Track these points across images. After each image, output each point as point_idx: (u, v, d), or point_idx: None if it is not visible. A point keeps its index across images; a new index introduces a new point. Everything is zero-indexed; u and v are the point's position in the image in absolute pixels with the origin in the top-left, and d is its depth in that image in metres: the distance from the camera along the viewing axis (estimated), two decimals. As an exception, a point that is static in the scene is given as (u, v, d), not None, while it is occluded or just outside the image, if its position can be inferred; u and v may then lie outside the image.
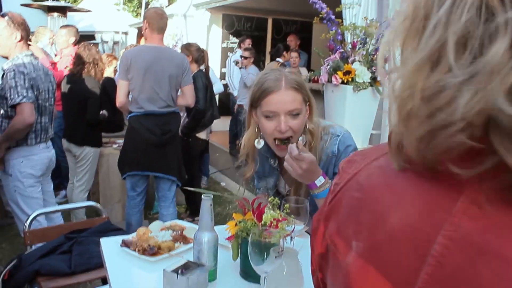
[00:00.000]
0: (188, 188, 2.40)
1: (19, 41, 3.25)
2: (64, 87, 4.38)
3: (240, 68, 7.07)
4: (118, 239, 1.90)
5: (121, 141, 4.72)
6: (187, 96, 3.87)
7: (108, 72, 5.14)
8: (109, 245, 1.88)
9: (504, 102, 0.41)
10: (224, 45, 10.00)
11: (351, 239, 0.59)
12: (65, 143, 4.45)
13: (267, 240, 1.37)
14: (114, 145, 4.94)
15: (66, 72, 4.87)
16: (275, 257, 1.34)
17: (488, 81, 0.42)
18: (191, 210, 5.04)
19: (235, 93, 7.63)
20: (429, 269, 0.48)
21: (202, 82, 4.60)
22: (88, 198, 4.75)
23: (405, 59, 0.51)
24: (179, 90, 3.86)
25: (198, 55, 4.72)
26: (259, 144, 1.91)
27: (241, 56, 7.10)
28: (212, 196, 1.54)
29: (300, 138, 1.84)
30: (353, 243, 0.59)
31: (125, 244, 1.84)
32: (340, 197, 0.66)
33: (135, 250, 1.79)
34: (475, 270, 0.45)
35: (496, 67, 0.41)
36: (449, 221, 0.48)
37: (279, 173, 2.05)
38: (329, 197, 0.69)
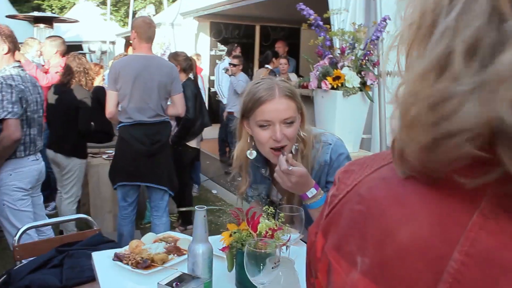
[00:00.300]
0: (182, 209, 2.38)
1: (7, 53, 3.21)
2: (52, 97, 4.33)
3: (230, 76, 7.07)
4: (110, 252, 1.87)
5: (110, 151, 4.68)
6: (177, 105, 3.84)
7: (97, 82, 5.11)
8: (101, 259, 1.85)
9: (508, 112, 0.40)
10: (213, 52, 10.02)
11: (355, 254, 0.57)
12: (51, 153, 4.35)
13: (263, 250, 1.35)
14: (104, 156, 4.90)
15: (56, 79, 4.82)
16: (272, 267, 1.32)
17: (496, 90, 0.40)
18: (183, 219, 5.00)
19: (224, 101, 7.62)
20: (446, 287, 0.46)
21: (191, 91, 4.58)
22: (78, 209, 4.70)
23: (410, 65, 0.50)
24: (169, 99, 3.83)
25: (186, 64, 4.70)
26: (252, 155, 1.88)
27: (230, 64, 7.11)
28: (206, 208, 1.52)
29: (293, 146, 1.83)
30: (358, 259, 0.56)
31: (117, 257, 1.81)
32: (339, 210, 0.63)
33: (128, 264, 1.76)
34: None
35: (505, 76, 0.40)
36: (465, 235, 0.46)
37: (270, 182, 2.03)
38: (325, 210, 0.65)
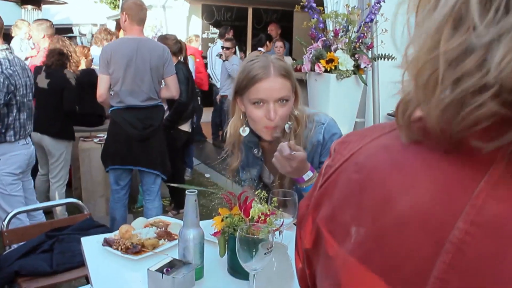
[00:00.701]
0: (172, 185, 2.35)
1: (-9, 35, 3.14)
2: (37, 80, 4.24)
3: (223, 61, 7.03)
4: (100, 237, 1.83)
5: (101, 135, 4.64)
6: (171, 87, 3.80)
7: (84, 64, 5.06)
8: (91, 245, 1.81)
9: None
10: (205, 35, 9.92)
11: (349, 225, 0.53)
12: (36, 136, 4.16)
13: (255, 236, 1.32)
14: (95, 139, 4.84)
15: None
16: (264, 253, 1.29)
17: None
18: (176, 203, 4.98)
19: (218, 85, 7.58)
20: (448, 257, 0.43)
21: (184, 74, 4.52)
22: (70, 193, 4.64)
23: (421, 21, 0.46)
24: (163, 82, 3.79)
25: (176, 47, 4.62)
26: (244, 132, 1.86)
27: (223, 47, 7.05)
28: (197, 192, 1.49)
29: (287, 125, 1.80)
30: (353, 230, 0.53)
31: (107, 243, 1.78)
32: (334, 180, 0.59)
33: (117, 249, 1.73)
34: (505, 258, 0.40)
35: None
36: (471, 203, 0.43)
37: (263, 163, 2.01)
38: (319, 181, 0.62)
